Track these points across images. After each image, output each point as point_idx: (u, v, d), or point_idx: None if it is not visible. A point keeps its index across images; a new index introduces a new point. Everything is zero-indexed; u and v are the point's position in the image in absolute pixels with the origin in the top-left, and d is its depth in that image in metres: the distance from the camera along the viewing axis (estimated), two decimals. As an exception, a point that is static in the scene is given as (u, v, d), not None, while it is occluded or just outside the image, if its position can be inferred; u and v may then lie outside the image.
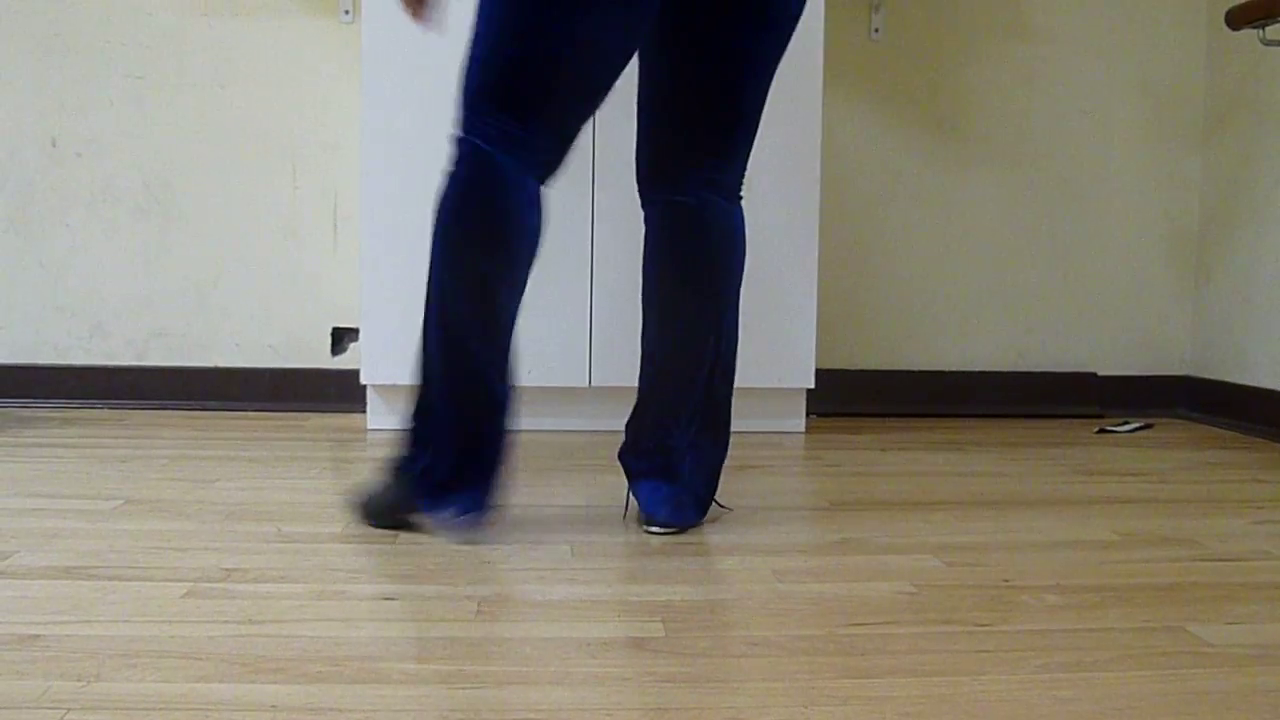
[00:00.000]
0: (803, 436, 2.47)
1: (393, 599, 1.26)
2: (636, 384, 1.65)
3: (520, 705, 0.97)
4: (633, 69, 1.59)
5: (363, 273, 2.37)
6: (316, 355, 2.77)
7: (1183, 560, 1.50)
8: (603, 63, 1.45)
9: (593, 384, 2.40)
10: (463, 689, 1.00)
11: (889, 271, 2.89)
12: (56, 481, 1.84)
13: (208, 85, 2.72)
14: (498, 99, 1.42)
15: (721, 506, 1.72)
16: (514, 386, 1.52)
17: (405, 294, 2.35)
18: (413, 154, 2.34)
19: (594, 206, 2.36)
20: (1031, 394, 2.92)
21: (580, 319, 2.38)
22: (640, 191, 1.64)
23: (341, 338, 2.75)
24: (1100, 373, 2.96)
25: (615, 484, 1.87)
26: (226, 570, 1.35)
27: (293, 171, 2.74)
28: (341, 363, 2.75)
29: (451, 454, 1.48)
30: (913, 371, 2.90)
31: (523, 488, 1.84)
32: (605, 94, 1.49)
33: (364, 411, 2.56)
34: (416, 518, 1.54)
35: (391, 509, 1.55)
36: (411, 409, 1.51)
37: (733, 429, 1.66)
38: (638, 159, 1.63)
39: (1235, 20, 2.52)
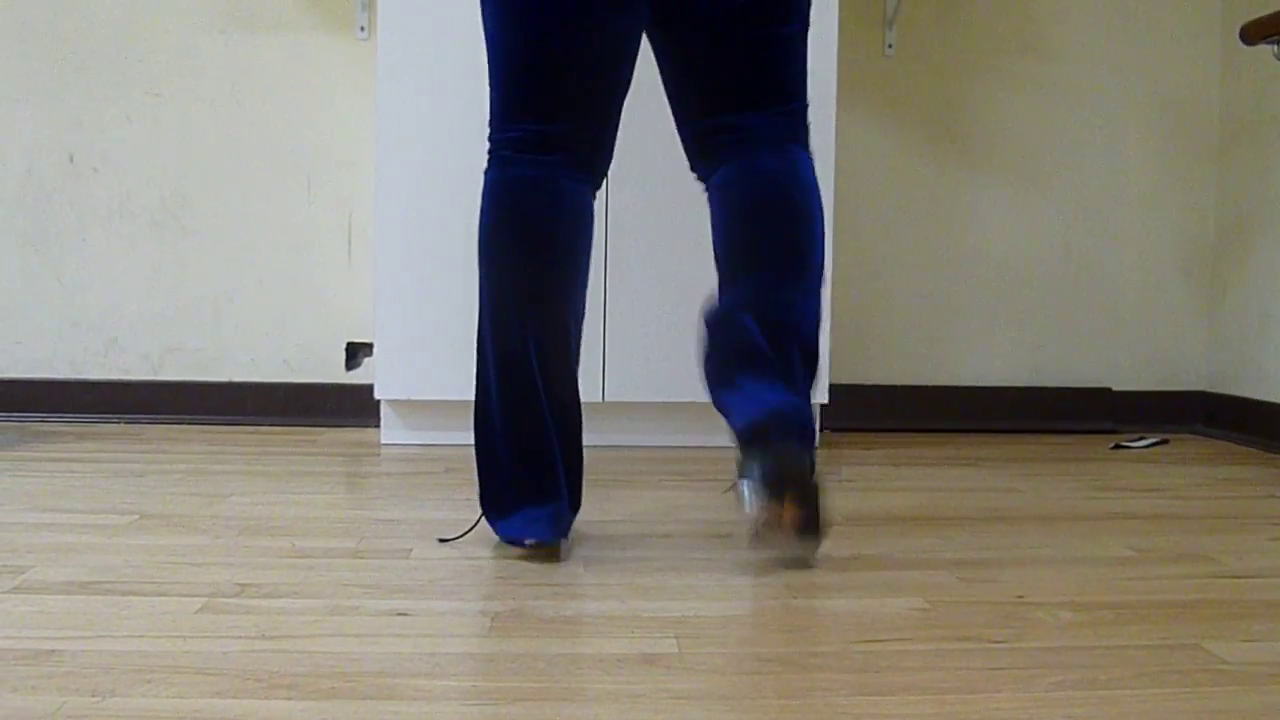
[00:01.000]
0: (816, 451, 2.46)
1: (406, 614, 1.26)
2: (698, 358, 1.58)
3: (533, 722, 0.97)
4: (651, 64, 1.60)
5: (377, 288, 2.38)
6: (331, 370, 2.78)
7: (1199, 577, 1.48)
8: (604, 55, 1.47)
9: (606, 399, 2.40)
10: (476, 705, 1.00)
11: (903, 286, 2.89)
12: (71, 496, 1.85)
13: (224, 102, 2.74)
14: (516, 109, 1.47)
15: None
16: (577, 399, 1.52)
17: (419, 309, 2.36)
18: (427, 170, 2.35)
19: (608, 211, 2.36)
20: (1046, 409, 2.91)
21: (594, 333, 2.38)
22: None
23: (356, 353, 2.76)
24: (1115, 388, 2.95)
25: (629, 499, 1.87)
26: (240, 585, 1.35)
27: (308, 187, 2.76)
28: (355, 378, 2.76)
29: (512, 471, 1.49)
30: (927, 387, 2.90)
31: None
32: (622, 86, 1.51)
33: (378, 426, 2.57)
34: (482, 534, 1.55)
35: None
36: (474, 428, 1.52)
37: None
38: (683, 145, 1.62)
39: (1250, 35, 2.52)
